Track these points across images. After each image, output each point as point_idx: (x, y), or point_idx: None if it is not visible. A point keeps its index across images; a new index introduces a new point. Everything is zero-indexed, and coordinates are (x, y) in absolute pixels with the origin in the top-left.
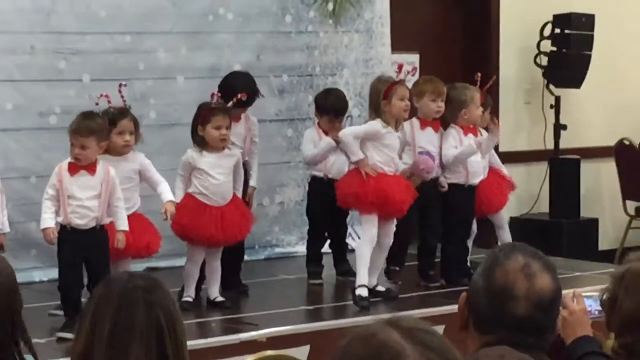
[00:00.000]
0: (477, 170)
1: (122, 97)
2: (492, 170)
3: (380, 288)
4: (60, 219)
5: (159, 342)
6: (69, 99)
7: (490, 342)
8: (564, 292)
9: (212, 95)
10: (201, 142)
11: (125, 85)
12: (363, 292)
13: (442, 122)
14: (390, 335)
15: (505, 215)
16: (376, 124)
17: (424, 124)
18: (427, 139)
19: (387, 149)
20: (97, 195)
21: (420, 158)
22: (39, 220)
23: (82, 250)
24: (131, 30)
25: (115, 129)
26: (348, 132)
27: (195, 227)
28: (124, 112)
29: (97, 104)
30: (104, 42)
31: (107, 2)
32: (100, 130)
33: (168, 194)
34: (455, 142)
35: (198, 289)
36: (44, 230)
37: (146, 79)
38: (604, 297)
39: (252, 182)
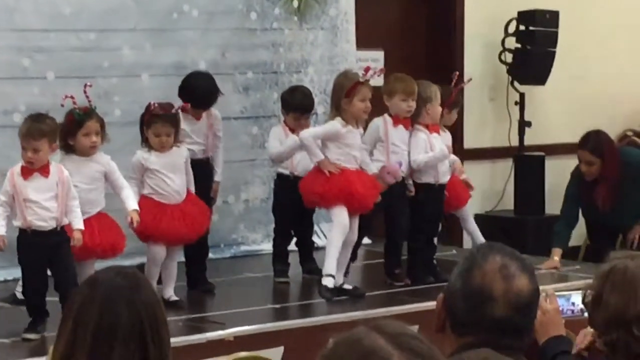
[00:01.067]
0: (446, 170)
1: (87, 97)
2: None
3: (347, 286)
4: (18, 224)
5: (141, 345)
6: (33, 97)
7: (469, 344)
8: None
9: (150, 104)
10: (148, 143)
11: (90, 85)
12: (329, 282)
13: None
14: (376, 341)
15: (469, 211)
16: (336, 124)
17: (396, 122)
18: (399, 136)
19: (347, 148)
20: (55, 196)
21: (390, 164)
22: None
23: (44, 252)
24: (95, 28)
25: (81, 130)
26: (307, 134)
27: (159, 225)
28: (89, 113)
29: (62, 105)
30: (68, 39)
31: None
32: (50, 132)
33: (132, 201)
34: (426, 145)
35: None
36: None
37: (111, 77)
38: (587, 294)
39: (217, 177)
